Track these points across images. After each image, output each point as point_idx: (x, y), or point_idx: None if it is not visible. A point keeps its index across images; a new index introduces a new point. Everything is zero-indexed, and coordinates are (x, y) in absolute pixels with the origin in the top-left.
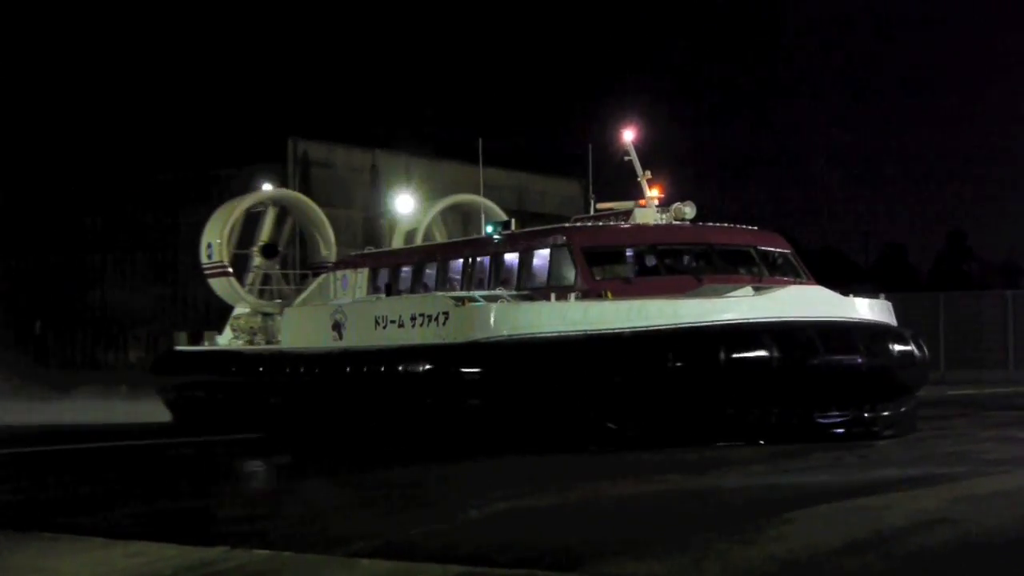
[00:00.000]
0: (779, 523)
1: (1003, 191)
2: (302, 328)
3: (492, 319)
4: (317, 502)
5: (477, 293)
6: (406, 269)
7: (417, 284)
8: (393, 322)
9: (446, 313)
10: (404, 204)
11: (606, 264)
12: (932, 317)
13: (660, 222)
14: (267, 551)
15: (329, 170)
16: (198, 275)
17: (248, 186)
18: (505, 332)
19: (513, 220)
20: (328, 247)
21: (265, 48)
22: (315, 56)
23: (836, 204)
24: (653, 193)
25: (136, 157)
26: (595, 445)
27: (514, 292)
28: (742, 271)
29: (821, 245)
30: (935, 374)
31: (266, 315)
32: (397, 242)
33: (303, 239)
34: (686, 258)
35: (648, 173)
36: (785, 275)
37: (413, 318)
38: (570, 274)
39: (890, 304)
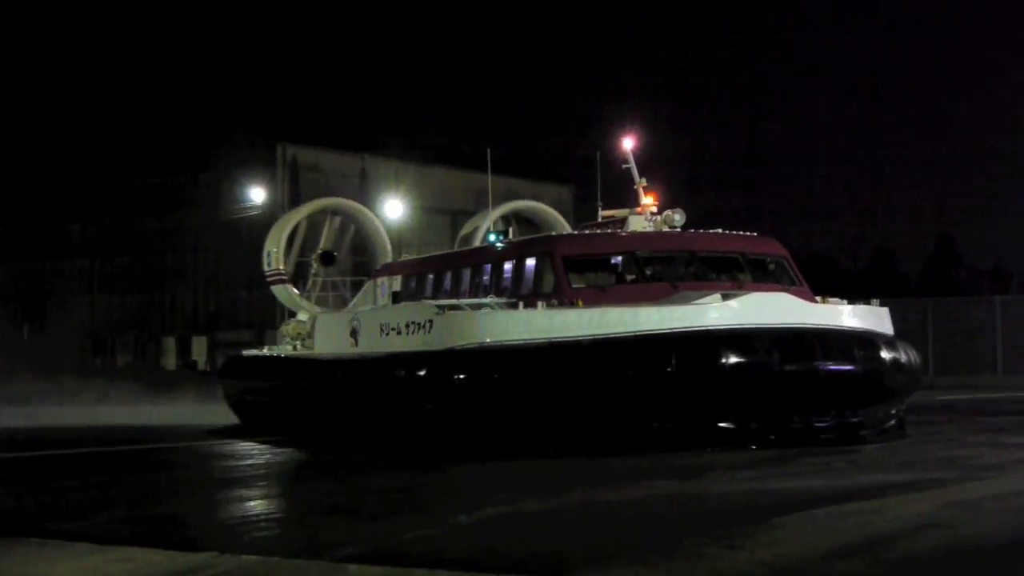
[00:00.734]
0: (768, 528)
1: (992, 197)
2: (328, 335)
3: (467, 327)
4: (306, 506)
5: (464, 301)
6: (430, 277)
7: (438, 291)
8: (393, 329)
9: (431, 321)
10: (393, 209)
11: (586, 272)
12: (921, 323)
13: (648, 229)
14: (256, 556)
15: (318, 175)
16: (183, 280)
17: (236, 191)
18: (479, 340)
19: (511, 228)
20: (385, 254)
21: (254, 53)
22: (304, 62)
23: (825, 209)
24: (647, 201)
25: (123, 162)
26: (553, 450)
27: (504, 300)
28: (724, 278)
29: (809, 252)
30: (923, 379)
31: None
32: (455, 247)
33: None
34: (665, 266)
35: (644, 180)
36: (779, 281)
37: (407, 326)
38: (551, 282)
39: (885, 311)
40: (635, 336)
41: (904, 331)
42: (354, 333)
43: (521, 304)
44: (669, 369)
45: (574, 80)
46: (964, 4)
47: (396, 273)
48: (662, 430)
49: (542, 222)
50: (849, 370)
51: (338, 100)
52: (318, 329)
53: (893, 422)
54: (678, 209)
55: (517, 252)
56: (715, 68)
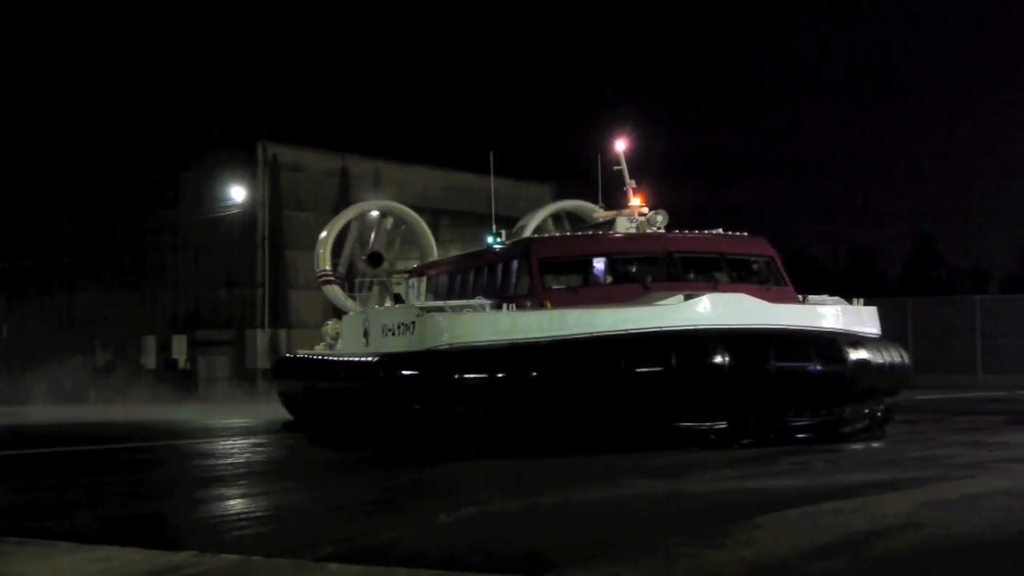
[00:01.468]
0: (748, 527)
1: (971, 196)
2: (348, 334)
3: (441, 328)
4: (286, 505)
5: (450, 303)
6: (444, 279)
7: (451, 292)
8: (390, 330)
9: (413, 323)
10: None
11: (560, 274)
12: (900, 322)
13: (632, 230)
14: (236, 555)
15: (298, 174)
16: (165, 278)
17: (216, 190)
18: (450, 341)
19: (504, 230)
20: (430, 255)
21: (235, 51)
22: (284, 60)
23: (805, 209)
24: (636, 202)
25: (105, 160)
26: (507, 450)
27: (490, 301)
28: (701, 278)
29: (791, 252)
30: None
31: None
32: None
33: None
34: (639, 266)
35: (633, 182)
36: (764, 281)
37: (399, 327)
38: (527, 284)
39: (869, 310)
40: (590, 337)
41: (883, 331)
42: (365, 333)
43: (505, 306)
44: (620, 369)
45: (558, 78)
46: (939, 2)
47: (423, 274)
48: (617, 430)
49: (590, 220)
50: (804, 369)
51: (318, 99)
52: (343, 329)
53: (866, 422)
54: (660, 210)
55: (505, 255)
56: (699, 66)
